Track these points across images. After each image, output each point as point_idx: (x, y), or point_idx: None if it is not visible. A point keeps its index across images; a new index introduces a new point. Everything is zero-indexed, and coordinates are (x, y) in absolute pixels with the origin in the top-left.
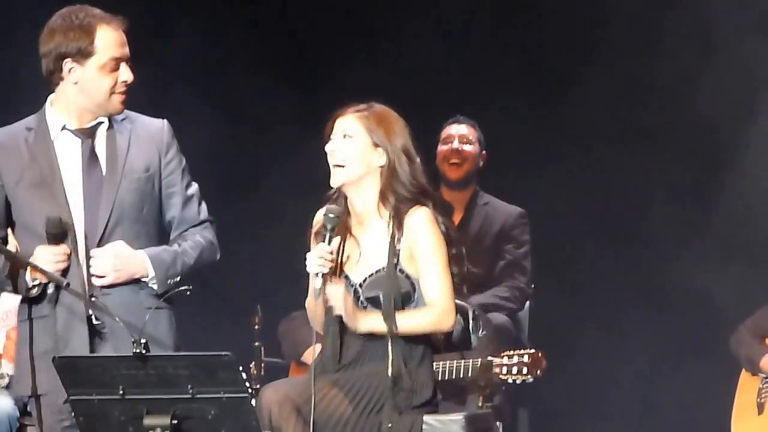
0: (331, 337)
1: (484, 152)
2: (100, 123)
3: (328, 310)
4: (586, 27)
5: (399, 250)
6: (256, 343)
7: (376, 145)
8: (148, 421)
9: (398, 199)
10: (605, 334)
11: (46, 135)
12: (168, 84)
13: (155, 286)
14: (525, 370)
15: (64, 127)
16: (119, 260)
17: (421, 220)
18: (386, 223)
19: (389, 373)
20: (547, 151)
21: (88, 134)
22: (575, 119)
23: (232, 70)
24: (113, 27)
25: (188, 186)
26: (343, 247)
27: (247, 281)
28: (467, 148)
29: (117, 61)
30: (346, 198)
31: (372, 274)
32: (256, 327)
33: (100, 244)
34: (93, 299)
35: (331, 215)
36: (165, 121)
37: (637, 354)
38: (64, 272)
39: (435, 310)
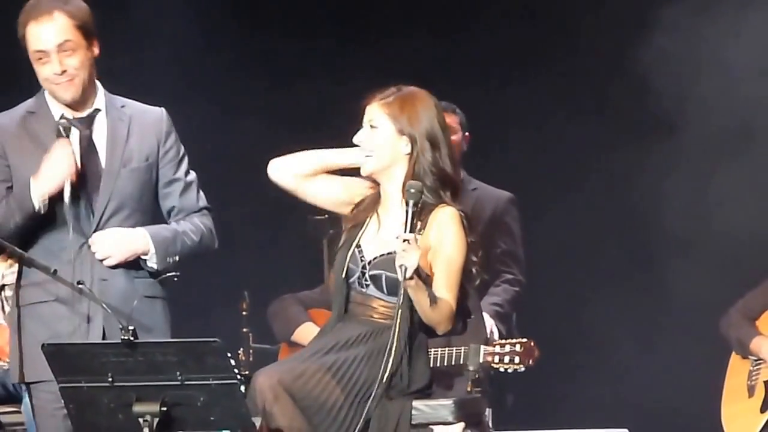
0: (338, 304)
1: (467, 134)
2: (97, 111)
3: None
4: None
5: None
6: (245, 330)
7: (402, 133)
8: (137, 408)
9: (428, 187)
10: (592, 320)
11: (49, 119)
12: None
13: (155, 265)
14: (517, 359)
15: (62, 116)
16: (119, 238)
17: (450, 220)
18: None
19: (390, 360)
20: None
21: (86, 123)
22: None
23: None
24: (37, 21)
25: (187, 174)
26: (369, 221)
27: (235, 267)
28: (454, 137)
29: (41, 54)
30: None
31: (384, 255)
32: (244, 313)
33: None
34: (80, 286)
35: (412, 190)
36: (163, 109)
37: (626, 339)
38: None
39: (443, 310)
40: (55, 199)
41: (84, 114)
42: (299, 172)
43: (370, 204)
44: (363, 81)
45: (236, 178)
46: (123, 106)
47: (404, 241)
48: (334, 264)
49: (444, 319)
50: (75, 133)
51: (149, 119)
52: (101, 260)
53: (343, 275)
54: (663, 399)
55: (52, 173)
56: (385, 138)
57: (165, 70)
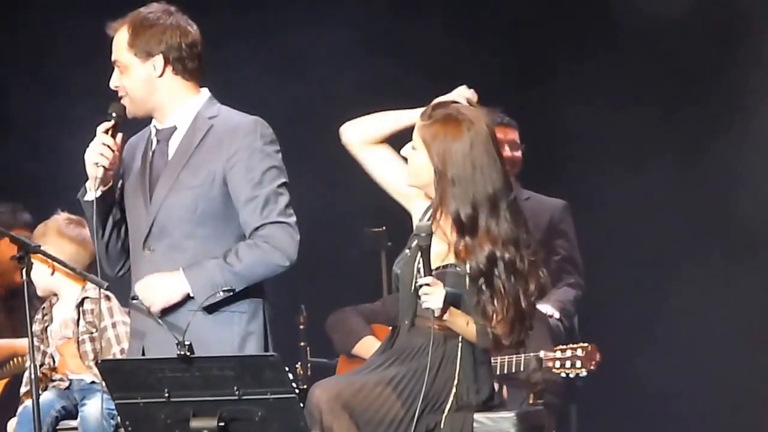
0: (407, 317)
1: (522, 148)
2: (174, 128)
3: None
4: None
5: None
6: (302, 343)
7: (432, 161)
8: (194, 423)
9: (451, 215)
10: (658, 329)
11: (148, 133)
12: None
13: (202, 302)
14: (579, 364)
15: (155, 127)
16: (156, 285)
17: None
18: (448, 229)
19: (456, 373)
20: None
21: (165, 136)
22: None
23: None
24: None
25: (256, 186)
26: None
27: (292, 280)
28: (517, 153)
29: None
30: None
31: (439, 268)
32: (302, 327)
33: (145, 245)
34: (134, 301)
35: (423, 234)
36: (252, 119)
37: (688, 347)
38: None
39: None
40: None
41: (163, 128)
42: (366, 135)
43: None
44: None
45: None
46: (213, 117)
47: (424, 285)
48: (399, 276)
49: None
50: (156, 145)
51: (227, 129)
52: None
53: (413, 288)
54: (743, 406)
55: (86, 158)
56: (420, 162)
57: None
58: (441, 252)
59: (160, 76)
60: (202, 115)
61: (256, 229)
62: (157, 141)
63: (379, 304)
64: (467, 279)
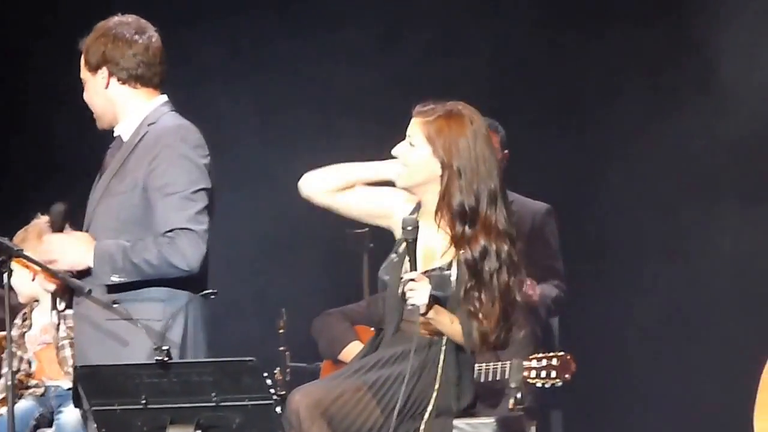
0: (393, 321)
1: (506, 152)
2: (120, 138)
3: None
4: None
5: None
6: (281, 348)
7: (436, 155)
8: (171, 430)
9: (451, 215)
10: (639, 334)
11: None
12: None
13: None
14: (554, 374)
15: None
16: (67, 244)
17: None
18: (443, 233)
19: (438, 378)
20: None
21: (117, 144)
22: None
23: None
24: None
25: (169, 191)
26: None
27: (272, 283)
28: (499, 156)
29: None
30: None
31: (427, 271)
32: (281, 331)
33: None
34: (115, 305)
35: (409, 228)
36: (177, 125)
37: (668, 354)
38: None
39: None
40: None
41: (117, 135)
42: (331, 187)
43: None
44: None
45: (271, 192)
46: (151, 124)
47: (410, 280)
48: (385, 281)
49: (474, 346)
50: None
51: (154, 136)
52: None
53: (400, 292)
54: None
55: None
56: (420, 157)
57: None
58: (436, 248)
59: (106, 87)
60: (144, 122)
61: (165, 233)
62: (111, 149)
63: (363, 305)
64: (453, 281)
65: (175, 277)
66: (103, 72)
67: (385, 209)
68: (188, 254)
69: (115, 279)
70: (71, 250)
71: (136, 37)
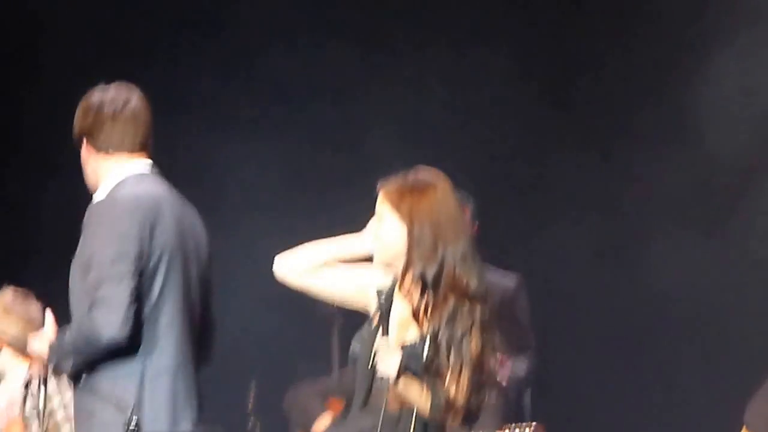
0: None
1: (476, 225)
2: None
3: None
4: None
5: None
6: (252, 417)
7: (402, 222)
8: None
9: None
10: (612, 398)
11: None
12: None
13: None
14: None
15: None
16: (37, 338)
17: None
18: (410, 305)
19: None
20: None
21: None
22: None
23: None
24: None
25: (91, 267)
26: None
27: (242, 356)
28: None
29: None
30: None
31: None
32: (251, 403)
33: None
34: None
35: (382, 295)
36: (105, 197)
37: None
38: None
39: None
40: None
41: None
42: (304, 269)
43: (390, 290)
44: None
45: (243, 264)
46: (108, 194)
47: (381, 347)
48: (357, 351)
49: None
50: None
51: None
52: None
53: (370, 365)
54: None
55: None
56: (390, 229)
57: None
58: (410, 322)
59: (87, 155)
60: (113, 190)
61: (90, 308)
62: None
63: (335, 378)
64: (424, 355)
65: (107, 349)
66: (84, 142)
67: (360, 289)
68: (102, 325)
69: (68, 368)
70: (41, 341)
71: (111, 106)
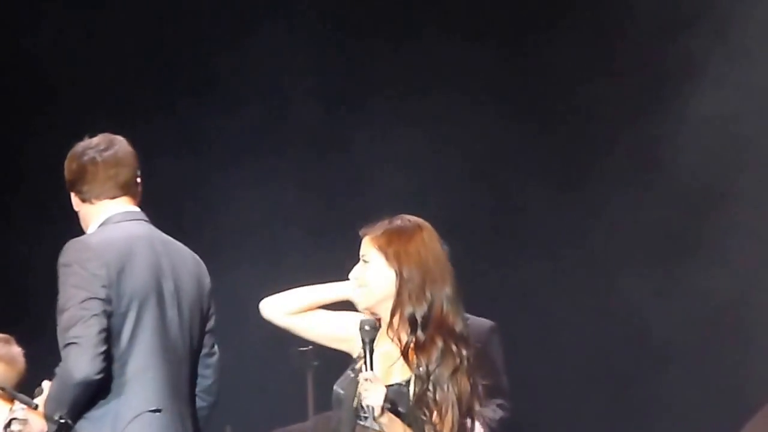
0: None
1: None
2: None
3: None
4: None
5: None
6: None
7: (390, 266)
8: None
9: (406, 314)
10: None
11: None
12: None
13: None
14: None
15: None
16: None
17: None
18: (398, 346)
19: None
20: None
21: None
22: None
23: None
24: None
25: (59, 310)
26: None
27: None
28: None
29: None
30: None
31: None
32: None
33: None
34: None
35: (367, 328)
36: (72, 241)
37: None
38: None
39: None
40: None
41: None
42: (291, 310)
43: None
44: None
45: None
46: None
47: (365, 380)
48: (340, 395)
49: None
50: None
51: None
52: None
53: (354, 407)
54: None
55: None
56: (376, 272)
57: None
58: (396, 364)
59: (76, 205)
60: None
61: (62, 350)
62: None
63: (309, 424)
64: (411, 397)
65: (81, 388)
66: (72, 194)
67: (344, 332)
68: (73, 365)
69: (57, 418)
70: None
71: (92, 156)
